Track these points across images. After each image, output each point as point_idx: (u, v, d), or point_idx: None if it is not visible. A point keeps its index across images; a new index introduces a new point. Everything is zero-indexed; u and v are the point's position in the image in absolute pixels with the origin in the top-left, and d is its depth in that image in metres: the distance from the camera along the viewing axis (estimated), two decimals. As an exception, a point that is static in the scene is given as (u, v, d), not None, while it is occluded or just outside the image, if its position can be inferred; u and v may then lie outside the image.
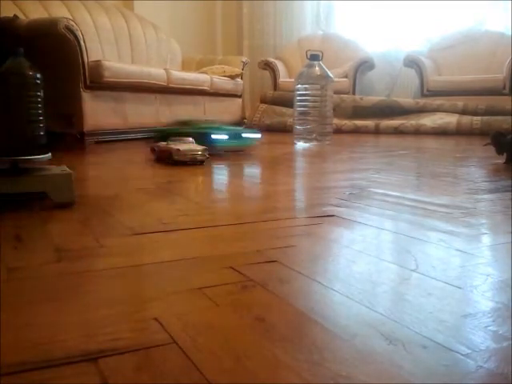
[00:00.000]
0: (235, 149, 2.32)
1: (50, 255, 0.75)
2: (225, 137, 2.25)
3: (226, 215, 1.05)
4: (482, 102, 3.95)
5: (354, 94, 4.44)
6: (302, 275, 0.65)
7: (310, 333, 0.49)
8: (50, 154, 1.14)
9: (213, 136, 2.20)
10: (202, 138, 2.10)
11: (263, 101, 4.54)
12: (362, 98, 4.31)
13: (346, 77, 4.48)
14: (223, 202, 1.19)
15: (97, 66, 2.79)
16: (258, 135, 2.44)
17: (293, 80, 3.18)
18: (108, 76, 2.84)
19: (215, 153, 2.12)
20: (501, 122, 3.64)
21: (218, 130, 2.31)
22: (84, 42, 2.68)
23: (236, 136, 2.33)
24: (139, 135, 3.22)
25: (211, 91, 3.93)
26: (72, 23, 2.62)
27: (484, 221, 0.98)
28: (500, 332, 0.48)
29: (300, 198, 1.31)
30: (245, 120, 4.54)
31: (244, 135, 2.38)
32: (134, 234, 0.87)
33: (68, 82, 2.67)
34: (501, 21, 4.40)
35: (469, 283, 0.62)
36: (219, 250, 0.78)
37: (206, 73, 4.01)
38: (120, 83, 2.98)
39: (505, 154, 1.90)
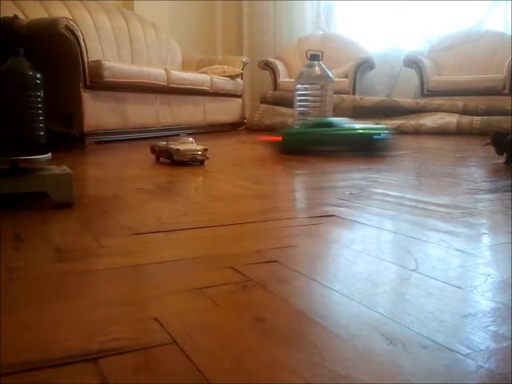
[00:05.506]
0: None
1: (50, 255, 0.75)
2: (387, 136, 1.89)
3: (226, 215, 1.05)
4: (482, 102, 3.95)
5: (354, 94, 4.44)
6: (301, 275, 0.65)
7: (310, 333, 0.49)
8: (50, 154, 1.14)
9: (375, 137, 1.87)
10: (360, 141, 1.75)
11: (263, 101, 4.53)
12: (362, 98, 4.31)
13: (345, 77, 4.48)
14: (223, 202, 1.19)
15: (97, 66, 2.79)
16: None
17: (293, 80, 3.18)
18: (108, 76, 2.83)
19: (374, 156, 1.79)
20: (501, 121, 3.63)
21: (374, 129, 1.94)
22: (84, 41, 2.68)
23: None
24: (139, 135, 3.22)
25: (211, 91, 3.93)
26: (72, 23, 2.62)
27: (484, 221, 0.97)
28: (500, 332, 0.48)
29: (300, 197, 1.31)
30: (245, 120, 4.54)
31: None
32: (134, 234, 0.87)
33: (68, 81, 2.67)
34: (501, 21, 4.40)
35: (469, 283, 0.62)
36: (219, 250, 0.78)
37: (206, 73, 4.01)
38: (120, 83, 2.98)
39: (505, 154, 1.90)
